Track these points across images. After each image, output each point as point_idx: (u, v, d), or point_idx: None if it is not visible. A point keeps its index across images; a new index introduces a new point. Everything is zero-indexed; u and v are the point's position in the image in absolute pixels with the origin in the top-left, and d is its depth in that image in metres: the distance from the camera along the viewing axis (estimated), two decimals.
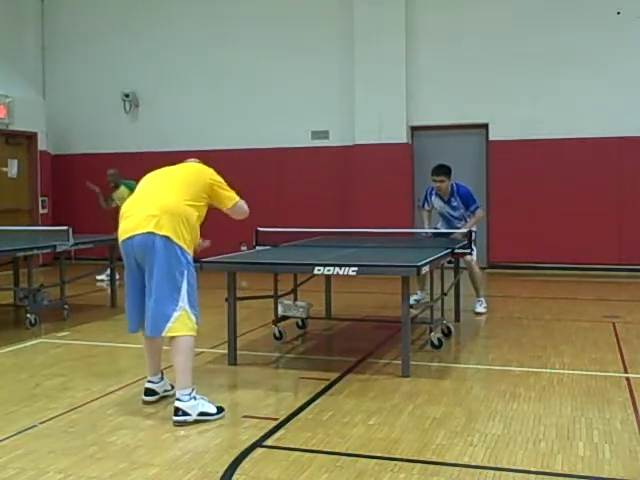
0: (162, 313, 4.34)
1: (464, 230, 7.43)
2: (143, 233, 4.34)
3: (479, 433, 4.15)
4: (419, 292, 8.27)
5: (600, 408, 4.62)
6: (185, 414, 4.30)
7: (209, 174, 4.70)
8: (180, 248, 4.36)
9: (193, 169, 4.76)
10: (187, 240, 4.42)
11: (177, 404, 4.34)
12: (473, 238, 6.72)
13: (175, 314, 4.33)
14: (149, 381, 4.78)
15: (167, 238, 4.31)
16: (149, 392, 4.76)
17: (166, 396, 4.81)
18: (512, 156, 11.67)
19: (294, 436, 4.14)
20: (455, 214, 8.10)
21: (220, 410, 4.44)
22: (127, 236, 4.43)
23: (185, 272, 4.37)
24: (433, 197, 8.13)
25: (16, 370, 5.76)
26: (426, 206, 8.27)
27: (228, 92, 12.92)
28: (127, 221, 4.49)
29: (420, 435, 4.11)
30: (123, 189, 10.36)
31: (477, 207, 8.13)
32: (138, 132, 13.53)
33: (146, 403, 4.73)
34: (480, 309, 8.12)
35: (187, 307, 4.36)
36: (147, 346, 4.73)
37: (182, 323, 4.35)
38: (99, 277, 10.58)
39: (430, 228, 8.26)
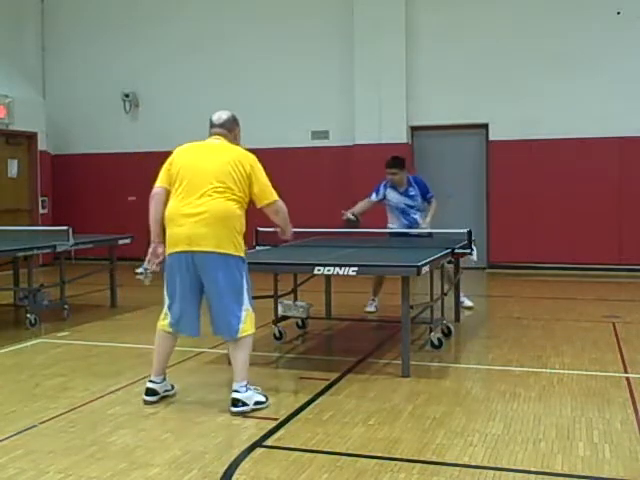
0: (233, 316, 4.56)
1: (425, 227, 7.80)
2: (203, 252, 4.51)
3: (479, 433, 4.15)
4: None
5: (600, 408, 4.62)
6: (244, 404, 4.53)
7: (250, 162, 4.67)
8: (238, 257, 4.58)
9: (234, 157, 4.64)
10: (241, 244, 4.62)
11: (236, 395, 4.55)
12: (473, 238, 6.72)
13: (243, 315, 4.58)
14: (151, 381, 4.79)
15: (227, 255, 4.53)
16: (150, 392, 4.77)
17: (166, 396, 4.82)
18: (512, 156, 11.66)
19: (294, 436, 4.14)
20: (413, 204, 8.08)
21: (267, 398, 4.69)
22: (183, 250, 4.55)
23: (244, 273, 4.62)
24: (387, 190, 8.09)
25: (16, 370, 5.76)
26: (373, 197, 8.17)
27: (228, 92, 12.90)
28: (180, 230, 4.54)
29: (420, 435, 4.11)
30: None
31: (432, 196, 8.18)
32: (138, 132, 13.53)
33: (147, 403, 4.74)
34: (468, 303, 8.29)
35: (250, 307, 4.64)
36: (165, 347, 4.78)
37: (249, 323, 4.61)
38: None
39: (395, 227, 8.16)
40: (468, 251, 6.58)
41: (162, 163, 4.88)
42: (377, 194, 8.19)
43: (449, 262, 6.89)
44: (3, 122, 12.47)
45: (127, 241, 8.73)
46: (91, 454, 3.86)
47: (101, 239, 8.79)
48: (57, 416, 4.50)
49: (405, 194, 8.06)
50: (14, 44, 13.58)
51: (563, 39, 11.41)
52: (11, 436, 4.15)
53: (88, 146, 13.76)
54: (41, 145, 13.40)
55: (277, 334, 6.61)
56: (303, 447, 3.96)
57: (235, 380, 4.61)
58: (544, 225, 11.57)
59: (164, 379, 4.84)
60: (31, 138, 13.23)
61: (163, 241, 4.70)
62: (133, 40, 13.53)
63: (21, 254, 7.49)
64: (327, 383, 5.21)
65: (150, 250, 4.73)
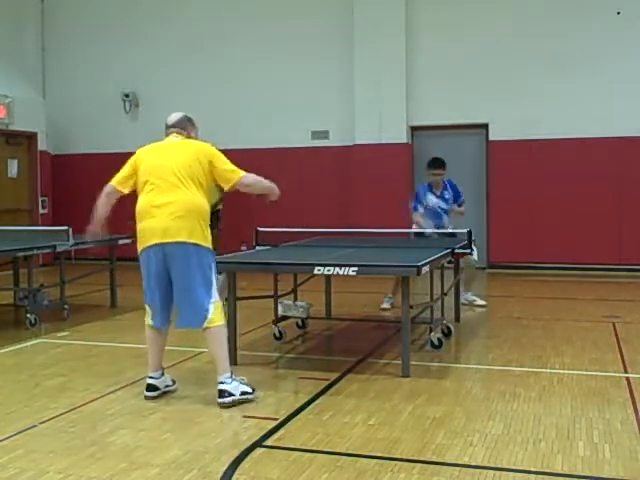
0: (200, 307, 4.65)
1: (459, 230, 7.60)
2: (175, 242, 4.63)
3: (479, 433, 4.15)
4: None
5: (600, 408, 4.62)
6: (230, 394, 4.64)
7: (209, 151, 4.85)
8: (207, 248, 4.72)
9: (194, 151, 4.84)
10: (208, 236, 4.76)
11: (222, 387, 4.66)
12: (473, 238, 6.72)
13: (211, 307, 4.66)
14: (150, 377, 4.85)
15: (198, 245, 4.66)
16: (151, 387, 4.83)
17: (167, 391, 4.88)
18: (512, 156, 11.66)
19: (294, 436, 4.14)
20: (446, 207, 8.20)
21: (254, 389, 4.79)
22: (156, 242, 4.68)
23: (212, 265, 4.75)
24: (428, 195, 8.15)
25: (16, 370, 5.76)
26: (420, 209, 8.11)
27: (228, 92, 12.92)
28: (153, 221, 4.69)
29: (420, 435, 4.11)
30: None
31: (464, 200, 8.32)
32: (138, 132, 13.49)
33: (148, 399, 4.78)
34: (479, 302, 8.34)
35: (218, 298, 4.73)
36: (155, 341, 4.87)
37: (218, 314, 4.70)
38: None
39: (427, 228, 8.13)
40: (468, 251, 6.58)
41: None
42: (422, 203, 8.12)
43: (449, 262, 6.89)
44: (3, 122, 12.47)
45: (127, 241, 8.71)
46: (91, 454, 3.86)
47: (101, 239, 8.77)
48: (57, 416, 4.50)
49: (441, 197, 8.16)
50: (14, 44, 13.58)
51: (563, 39, 11.41)
52: (11, 436, 4.15)
53: (88, 146, 13.76)
54: (41, 145, 13.40)
55: (277, 334, 6.61)
56: (303, 447, 3.96)
57: (218, 372, 4.71)
58: (544, 225, 11.57)
59: (162, 374, 4.90)
60: (31, 138, 13.23)
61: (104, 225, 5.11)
62: (133, 40, 13.53)
63: (21, 254, 7.49)
64: (327, 383, 5.21)
65: (91, 229, 5.24)
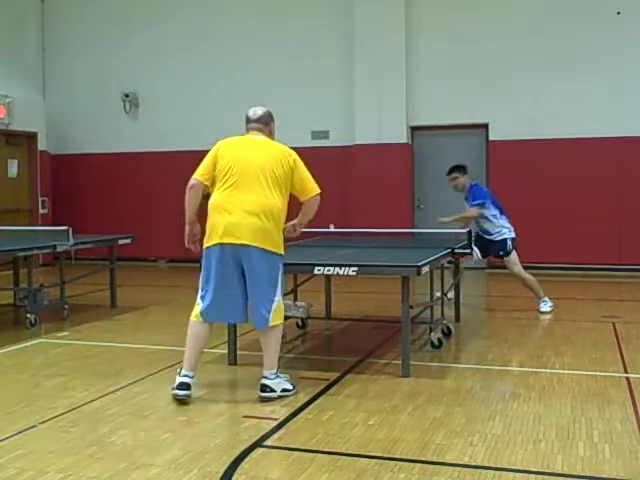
0: (265, 307, 4.73)
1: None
2: (252, 246, 4.66)
3: (479, 433, 4.15)
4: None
5: (600, 408, 4.62)
6: (272, 390, 4.75)
7: (293, 158, 4.89)
8: (279, 254, 4.79)
9: (279, 153, 4.85)
10: (281, 240, 4.84)
11: (265, 382, 4.77)
12: (473, 238, 6.72)
13: (274, 306, 4.75)
14: (186, 375, 4.77)
15: (271, 252, 4.71)
16: (184, 386, 4.73)
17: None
18: (512, 156, 11.66)
19: (294, 436, 4.14)
20: (480, 213, 8.20)
21: (294, 386, 4.91)
22: (229, 242, 4.67)
23: (280, 268, 4.81)
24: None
25: (16, 370, 5.76)
26: (492, 208, 8.21)
27: (228, 92, 12.91)
28: (227, 218, 4.67)
29: (420, 435, 4.11)
30: None
31: (475, 205, 8.14)
32: (138, 132, 13.53)
33: (179, 398, 4.71)
34: (545, 308, 8.14)
35: (280, 299, 4.82)
36: (199, 339, 4.83)
37: (279, 313, 4.80)
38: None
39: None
40: (468, 251, 6.58)
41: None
42: (494, 202, 8.26)
43: (449, 262, 6.88)
44: (3, 122, 12.47)
45: (127, 241, 8.73)
46: (91, 454, 3.86)
47: (101, 239, 8.79)
48: (57, 416, 4.50)
49: (466, 200, 8.24)
50: (14, 44, 13.58)
51: (563, 39, 11.41)
52: (11, 436, 4.15)
53: (88, 146, 13.75)
54: (41, 145, 13.40)
55: None
56: (303, 447, 3.96)
57: (265, 367, 4.81)
58: (544, 225, 11.56)
59: (194, 375, 4.84)
60: (31, 138, 13.23)
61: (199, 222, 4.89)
62: (133, 40, 13.53)
63: (21, 254, 7.49)
64: (327, 383, 5.21)
65: (187, 231, 4.90)
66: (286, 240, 5.02)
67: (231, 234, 4.65)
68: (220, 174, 4.77)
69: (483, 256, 8.20)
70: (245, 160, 4.76)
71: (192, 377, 4.78)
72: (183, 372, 4.78)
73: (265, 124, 5.01)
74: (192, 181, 4.83)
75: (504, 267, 8.48)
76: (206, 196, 4.88)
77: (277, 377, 4.82)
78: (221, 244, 4.68)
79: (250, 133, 4.99)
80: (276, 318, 4.77)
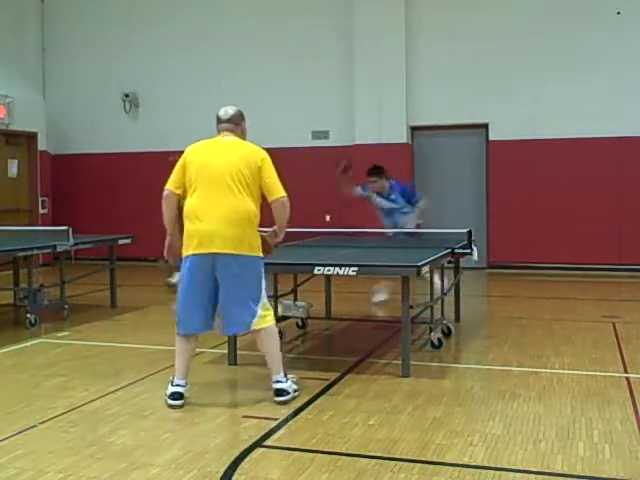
0: (248, 311, 4.65)
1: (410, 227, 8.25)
2: (224, 254, 4.58)
3: (479, 433, 4.15)
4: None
5: (600, 408, 4.62)
6: (287, 393, 4.75)
7: (261, 157, 4.76)
8: (255, 256, 4.70)
9: (247, 154, 4.74)
10: (259, 243, 4.75)
11: (279, 386, 4.76)
12: (473, 238, 6.72)
13: (259, 310, 4.68)
14: (177, 384, 4.74)
15: (248, 256, 4.64)
16: (177, 396, 4.70)
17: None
18: (512, 156, 11.66)
19: (294, 436, 4.15)
20: (396, 206, 8.38)
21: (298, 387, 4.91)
22: (204, 252, 4.60)
23: (262, 271, 4.75)
24: (374, 195, 8.43)
25: (16, 370, 5.76)
26: (359, 189, 8.49)
27: (228, 92, 12.89)
28: (201, 227, 4.61)
29: (420, 435, 4.11)
30: None
31: (418, 200, 8.46)
32: (138, 132, 13.53)
33: (173, 408, 4.66)
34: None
35: (267, 301, 4.78)
36: (186, 348, 4.80)
37: (266, 316, 4.73)
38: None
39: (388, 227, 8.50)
40: (468, 251, 6.58)
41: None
42: (363, 190, 8.52)
43: (449, 262, 6.88)
44: (3, 122, 12.47)
45: (127, 241, 8.73)
46: (91, 454, 3.86)
47: (101, 239, 8.79)
48: (57, 416, 4.50)
49: (387, 198, 8.37)
50: (14, 44, 13.58)
51: (563, 39, 11.41)
52: (11, 436, 4.15)
53: (88, 146, 13.76)
54: (41, 145, 13.41)
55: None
56: (303, 447, 3.96)
57: (273, 372, 4.79)
58: (544, 225, 11.57)
59: (187, 383, 4.80)
60: (31, 138, 13.23)
61: (180, 237, 4.80)
62: (133, 40, 13.53)
63: (21, 254, 7.49)
64: (327, 383, 5.21)
65: (167, 244, 4.89)
66: (270, 245, 4.94)
67: (204, 244, 4.59)
68: (189, 181, 4.71)
69: None
70: (213, 165, 4.67)
71: (184, 385, 4.75)
72: (175, 381, 4.74)
73: (236, 124, 4.90)
74: (165, 192, 4.80)
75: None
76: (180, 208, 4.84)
77: (288, 379, 4.81)
78: (194, 255, 4.63)
79: (220, 134, 4.89)
80: (262, 322, 4.68)
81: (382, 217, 8.49)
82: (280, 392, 4.73)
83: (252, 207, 4.68)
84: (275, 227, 4.89)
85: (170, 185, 4.80)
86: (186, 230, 4.70)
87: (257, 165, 4.71)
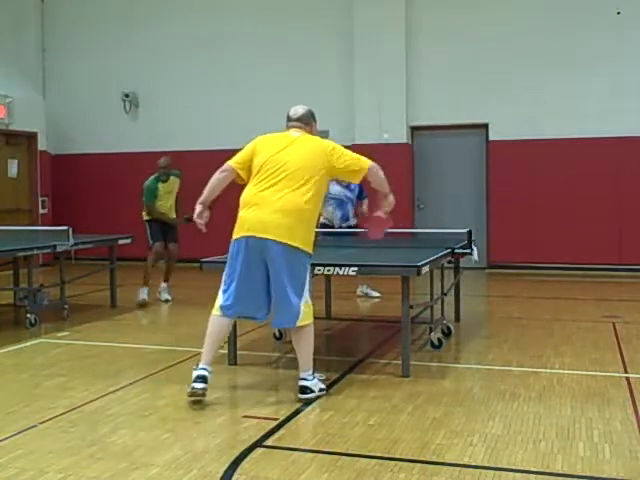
0: (295, 306, 4.67)
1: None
2: (276, 241, 4.61)
3: (479, 433, 4.15)
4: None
5: (600, 408, 4.62)
6: (311, 391, 4.75)
7: (331, 147, 4.83)
8: (306, 252, 4.73)
9: (316, 148, 4.80)
10: (311, 239, 4.80)
11: (304, 383, 4.77)
12: (473, 238, 6.72)
13: (303, 306, 4.70)
14: (203, 368, 4.71)
15: (298, 249, 4.66)
16: (202, 379, 4.67)
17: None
18: (512, 156, 11.67)
19: (294, 436, 4.15)
20: (351, 197, 8.63)
21: (327, 386, 4.94)
22: (256, 235, 4.64)
23: (308, 267, 4.79)
24: (331, 184, 8.34)
25: (16, 370, 5.76)
26: None
27: (228, 92, 12.93)
28: (255, 213, 4.66)
29: (420, 435, 4.11)
30: (174, 180, 9.12)
31: (365, 196, 8.67)
32: (138, 132, 13.53)
33: (194, 391, 4.63)
34: None
35: (309, 298, 4.77)
36: (221, 330, 4.80)
37: (308, 313, 4.74)
38: (165, 297, 8.97)
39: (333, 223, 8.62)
40: (468, 251, 6.58)
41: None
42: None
43: (449, 262, 6.88)
44: (3, 122, 12.47)
45: (127, 241, 8.73)
46: (91, 454, 3.86)
47: (101, 239, 8.79)
48: (57, 416, 4.50)
49: (347, 187, 8.52)
50: (14, 44, 13.59)
51: (563, 39, 11.41)
52: (11, 436, 4.15)
53: (88, 146, 13.76)
54: (41, 145, 13.41)
55: (277, 334, 6.61)
56: (303, 447, 3.96)
57: (301, 369, 4.79)
58: (544, 225, 11.57)
59: (212, 371, 4.79)
60: (31, 138, 13.23)
61: (210, 207, 4.89)
62: (133, 40, 13.53)
63: (21, 254, 7.49)
64: (327, 383, 5.20)
65: (197, 210, 4.88)
66: (383, 221, 5.08)
67: (256, 228, 4.63)
68: (255, 169, 4.75)
69: None
70: (279, 158, 4.72)
71: (210, 372, 4.73)
72: (201, 365, 4.72)
73: (306, 123, 4.97)
74: (226, 165, 4.84)
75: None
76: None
77: (314, 377, 4.82)
78: (246, 237, 4.66)
79: (290, 130, 4.96)
80: (305, 318, 4.71)
81: (331, 208, 8.55)
82: (304, 390, 4.75)
83: (312, 205, 4.72)
84: (382, 201, 5.02)
85: (233, 162, 4.84)
86: (241, 216, 4.72)
87: (326, 156, 4.76)
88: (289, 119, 5.00)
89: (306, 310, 4.72)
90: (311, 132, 5.00)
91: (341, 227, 8.62)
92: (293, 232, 4.63)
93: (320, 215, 8.29)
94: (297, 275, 4.68)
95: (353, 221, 8.74)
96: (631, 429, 4.21)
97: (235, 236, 4.74)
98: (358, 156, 4.89)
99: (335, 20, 12.47)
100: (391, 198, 5.06)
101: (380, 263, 5.75)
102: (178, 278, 8.57)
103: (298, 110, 5.00)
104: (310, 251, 4.77)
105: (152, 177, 9.00)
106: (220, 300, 4.78)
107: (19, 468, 3.67)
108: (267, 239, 4.61)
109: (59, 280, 8.05)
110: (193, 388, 4.64)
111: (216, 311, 4.79)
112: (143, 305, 8.61)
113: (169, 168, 9.05)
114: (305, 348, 4.79)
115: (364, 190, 8.60)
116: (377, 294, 9.08)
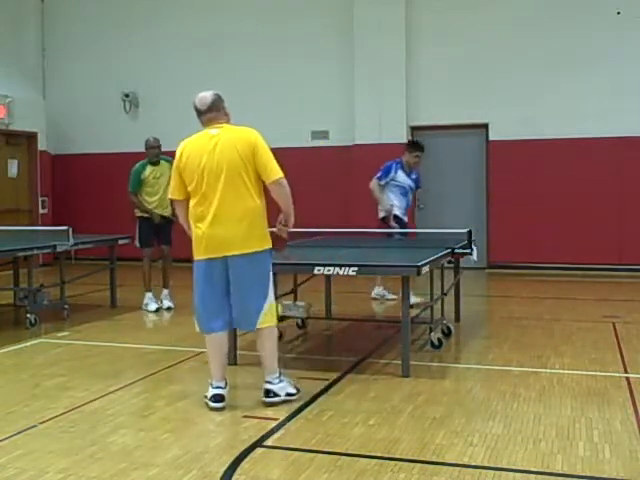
0: (255, 309, 4.60)
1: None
2: (235, 255, 4.51)
3: (479, 433, 4.15)
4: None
5: (600, 408, 4.62)
6: (276, 395, 4.65)
7: (254, 138, 4.62)
8: (265, 251, 4.63)
9: (240, 141, 4.57)
10: (267, 234, 4.67)
11: (268, 386, 4.67)
12: (473, 238, 6.72)
13: (265, 307, 4.62)
14: (218, 386, 4.65)
15: (257, 252, 4.56)
16: (219, 398, 4.61)
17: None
18: (512, 156, 11.66)
19: (294, 436, 4.14)
20: (414, 186, 8.76)
21: (298, 390, 4.79)
22: (216, 256, 4.53)
23: (269, 266, 4.69)
24: (398, 172, 8.56)
25: (16, 370, 5.76)
26: (383, 180, 8.58)
27: (228, 92, 12.82)
28: (207, 230, 4.52)
29: (420, 435, 4.11)
30: (165, 165, 8.39)
31: (420, 187, 9.04)
32: (138, 132, 13.50)
33: (214, 410, 4.57)
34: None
35: (272, 299, 4.70)
36: (218, 348, 4.70)
37: (271, 315, 4.67)
38: (167, 304, 8.54)
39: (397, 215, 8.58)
40: (468, 251, 6.58)
41: None
42: (386, 176, 8.57)
43: (449, 262, 6.88)
44: (3, 122, 12.47)
45: (127, 241, 8.73)
46: (91, 454, 3.86)
47: (101, 239, 8.80)
48: (57, 416, 4.50)
49: (410, 177, 8.60)
50: (14, 44, 13.59)
51: (563, 39, 11.41)
52: (11, 436, 4.15)
53: (88, 146, 13.75)
54: (41, 145, 13.40)
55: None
56: (303, 447, 3.96)
57: (266, 371, 4.71)
58: (544, 225, 11.56)
59: (227, 384, 4.73)
60: (31, 138, 13.23)
61: None
62: (133, 40, 13.53)
63: (21, 254, 7.49)
64: (327, 383, 5.21)
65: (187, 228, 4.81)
66: (283, 240, 4.84)
67: (214, 248, 4.52)
68: (190, 183, 4.57)
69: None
70: (208, 163, 4.51)
71: (224, 387, 4.66)
72: (215, 383, 4.65)
73: (217, 110, 4.71)
74: (173, 201, 4.85)
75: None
76: None
77: (280, 381, 4.71)
78: (207, 259, 4.56)
79: (207, 128, 4.70)
80: (267, 320, 4.63)
81: (400, 197, 8.57)
82: (267, 393, 4.66)
83: (256, 200, 4.55)
84: (281, 216, 4.71)
85: (173, 195, 4.74)
86: (194, 234, 4.62)
87: (251, 148, 4.53)
88: (199, 113, 4.75)
89: (269, 312, 4.64)
90: (226, 114, 4.77)
91: (402, 221, 8.58)
92: (249, 238, 4.53)
93: (392, 206, 8.45)
94: (261, 277, 4.59)
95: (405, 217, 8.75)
96: (631, 429, 4.21)
97: (195, 257, 4.62)
98: (274, 163, 4.59)
99: (335, 20, 12.47)
100: (290, 222, 4.73)
101: (380, 263, 5.75)
102: (177, 278, 8.56)
103: (205, 99, 4.74)
104: (269, 244, 4.63)
105: (140, 162, 8.55)
106: (196, 323, 4.74)
107: (19, 468, 3.67)
108: (226, 256, 4.52)
109: (59, 280, 8.05)
110: (211, 406, 4.58)
111: (201, 331, 4.74)
112: (157, 311, 8.33)
113: (160, 149, 8.40)
114: (269, 350, 4.69)
115: (420, 181, 8.82)
116: (394, 296, 8.56)
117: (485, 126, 11.94)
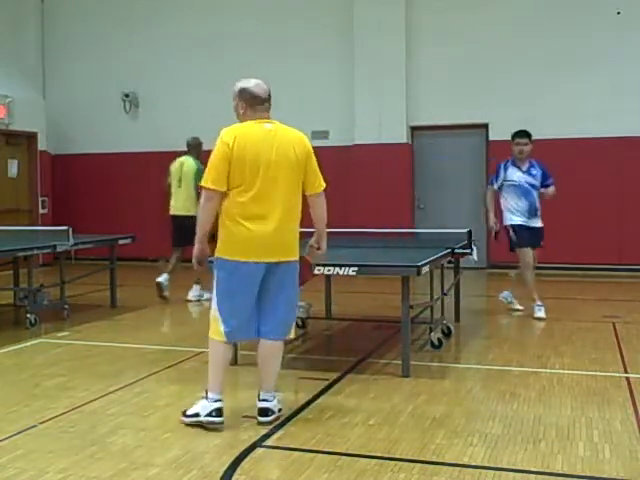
0: (291, 318, 4.50)
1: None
2: (280, 262, 4.25)
3: (479, 433, 4.15)
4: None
5: (600, 408, 4.62)
6: (273, 413, 4.38)
7: (309, 147, 4.38)
8: (298, 259, 4.44)
9: (297, 145, 4.30)
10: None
11: (265, 405, 4.37)
12: (473, 238, 6.72)
13: (295, 319, 4.58)
14: (218, 400, 4.26)
15: (295, 261, 4.40)
16: (219, 412, 4.24)
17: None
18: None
19: (294, 436, 4.14)
20: (535, 183, 7.76)
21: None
22: (260, 260, 4.16)
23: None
24: (509, 170, 7.75)
25: (16, 370, 5.76)
26: (495, 184, 7.86)
27: (228, 92, 12.82)
28: (258, 231, 4.13)
29: (420, 435, 4.11)
30: (193, 164, 8.55)
31: (550, 184, 7.87)
32: (138, 132, 13.53)
33: (215, 426, 4.23)
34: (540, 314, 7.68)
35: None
36: (225, 360, 4.40)
37: (294, 326, 4.57)
38: (192, 296, 8.83)
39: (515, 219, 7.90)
40: (468, 251, 6.58)
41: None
42: (497, 179, 7.84)
43: (449, 262, 6.87)
44: (3, 122, 12.47)
45: (127, 241, 8.73)
46: (91, 454, 3.86)
47: (101, 239, 8.79)
48: (57, 416, 4.50)
49: (527, 172, 7.73)
50: (14, 44, 13.58)
51: (563, 39, 11.42)
52: (11, 436, 4.15)
53: (88, 146, 13.75)
54: (41, 145, 13.40)
55: (299, 323, 6.62)
56: (303, 447, 3.96)
57: (265, 388, 4.41)
58: (544, 225, 11.54)
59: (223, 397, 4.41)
60: (31, 138, 13.22)
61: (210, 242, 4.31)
62: (133, 40, 13.53)
63: (21, 254, 7.49)
64: (327, 383, 5.21)
65: (197, 251, 4.29)
66: (312, 267, 4.73)
67: (264, 251, 4.15)
68: (239, 176, 4.12)
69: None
70: (266, 159, 4.15)
71: (223, 400, 4.30)
72: (214, 397, 4.26)
73: (270, 103, 4.41)
74: (208, 193, 4.14)
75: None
76: None
77: (275, 397, 4.44)
78: (252, 262, 4.15)
79: (258, 121, 4.34)
80: (292, 332, 4.51)
81: (518, 197, 7.75)
82: (265, 412, 4.33)
83: (300, 205, 4.33)
84: (314, 238, 4.49)
85: (215, 184, 4.13)
86: (234, 232, 4.14)
87: (306, 152, 4.31)
88: (259, 100, 4.37)
89: (294, 323, 4.55)
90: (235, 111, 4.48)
91: (530, 227, 7.87)
92: (295, 246, 4.34)
93: (511, 210, 7.71)
94: (296, 287, 4.45)
95: (540, 220, 7.96)
96: (631, 429, 4.21)
97: (231, 257, 4.17)
98: (320, 174, 4.40)
99: (335, 20, 12.47)
100: (324, 246, 4.53)
101: (380, 263, 5.75)
102: (180, 277, 8.57)
103: (264, 85, 4.42)
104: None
105: (190, 159, 8.60)
106: (222, 327, 4.25)
107: (19, 468, 3.67)
108: (270, 262, 4.20)
109: (59, 280, 8.05)
110: (213, 422, 4.21)
111: (219, 337, 4.29)
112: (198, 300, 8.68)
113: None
114: (275, 365, 4.41)
115: (549, 175, 7.81)
116: (519, 307, 8.10)
117: (485, 126, 11.94)
